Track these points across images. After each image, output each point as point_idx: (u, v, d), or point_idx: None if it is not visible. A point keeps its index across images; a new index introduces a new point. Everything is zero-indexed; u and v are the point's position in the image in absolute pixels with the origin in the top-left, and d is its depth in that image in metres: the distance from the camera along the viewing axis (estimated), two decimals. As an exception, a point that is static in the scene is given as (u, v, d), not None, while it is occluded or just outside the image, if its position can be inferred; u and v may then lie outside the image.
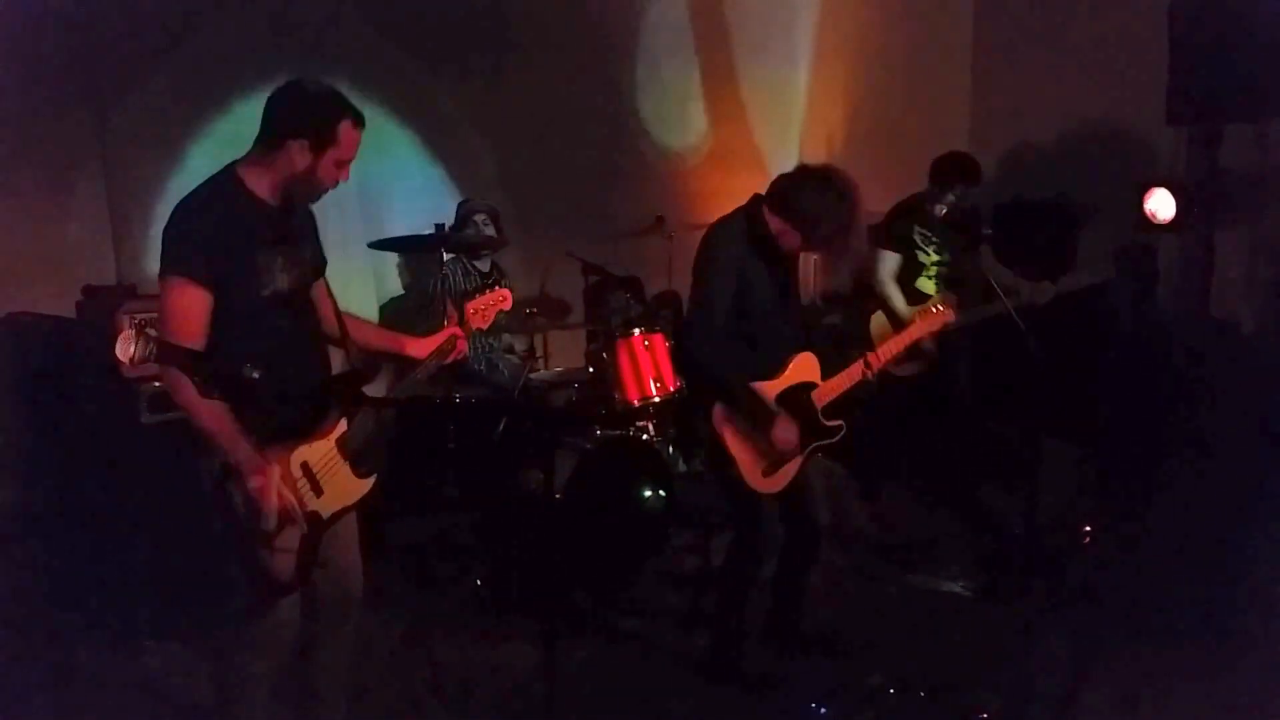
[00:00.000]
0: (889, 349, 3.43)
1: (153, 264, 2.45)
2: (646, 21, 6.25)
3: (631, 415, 4.50)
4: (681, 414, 4.73)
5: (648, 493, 4.23)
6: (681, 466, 4.89)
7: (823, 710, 3.25)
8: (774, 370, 3.27)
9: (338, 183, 2.56)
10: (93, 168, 4.39)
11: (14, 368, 3.85)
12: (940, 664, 3.50)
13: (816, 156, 6.69)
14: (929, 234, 4.73)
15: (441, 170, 5.50)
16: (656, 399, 4.47)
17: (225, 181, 2.49)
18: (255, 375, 2.38)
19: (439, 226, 4.46)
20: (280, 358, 2.43)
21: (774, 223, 3.22)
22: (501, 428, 4.47)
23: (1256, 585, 3.61)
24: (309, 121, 2.46)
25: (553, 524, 3.96)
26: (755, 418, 3.20)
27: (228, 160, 2.53)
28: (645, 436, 4.53)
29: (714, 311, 3.19)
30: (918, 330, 3.51)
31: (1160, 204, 4.64)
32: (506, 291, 3.12)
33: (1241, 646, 3.40)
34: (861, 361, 3.37)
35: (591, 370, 4.76)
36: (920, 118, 6.11)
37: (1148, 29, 4.75)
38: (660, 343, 4.62)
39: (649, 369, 4.55)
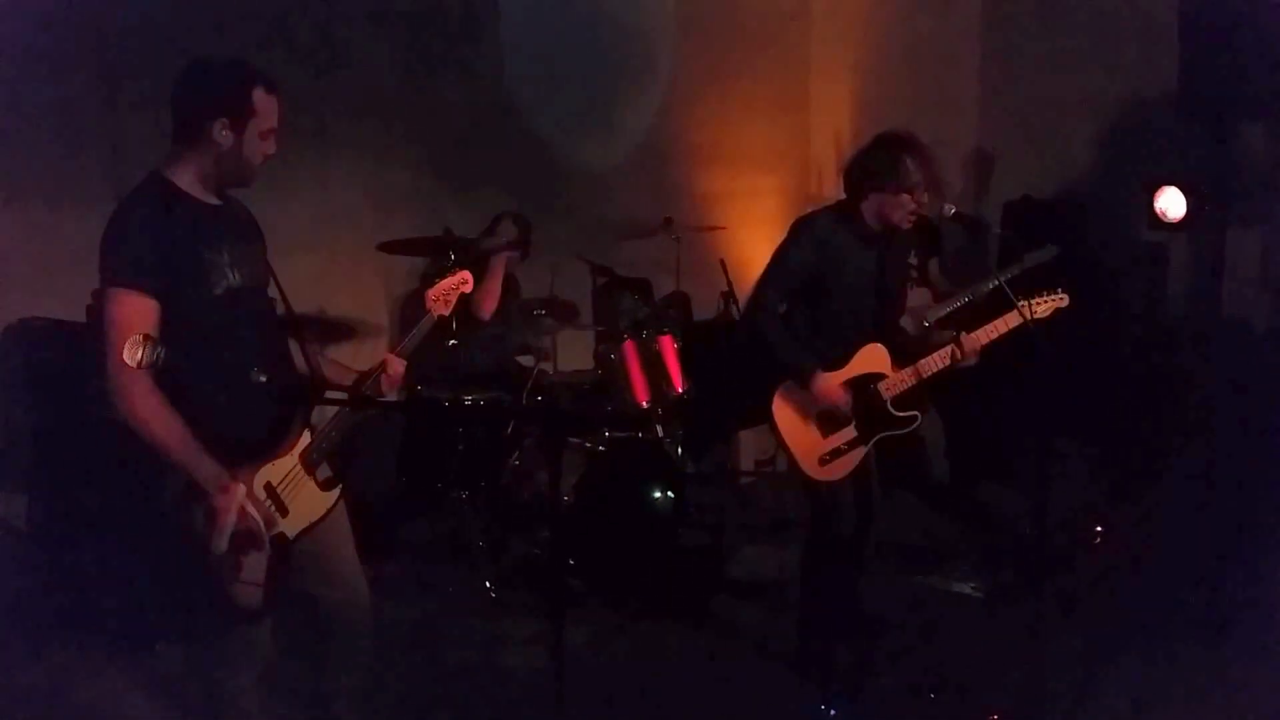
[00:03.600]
0: (988, 332, 3.31)
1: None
2: (652, 20, 6.24)
3: (640, 417, 4.50)
4: (691, 415, 4.73)
5: (657, 494, 4.22)
6: (690, 468, 4.88)
7: (832, 711, 3.24)
8: (840, 360, 3.30)
9: (267, 158, 2.42)
10: (103, 171, 4.39)
11: (25, 371, 3.86)
12: (950, 665, 3.49)
13: (825, 155, 6.67)
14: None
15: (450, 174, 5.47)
16: (665, 401, 4.47)
17: (153, 185, 2.36)
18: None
19: (447, 230, 4.45)
20: (245, 363, 2.30)
21: (873, 201, 3.23)
22: (510, 429, 4.47)
23: (1267, 587, 3.59)
24: (223, 98, 2.32)
25: (561, 525, 3.96)
26: (801, 378, 3.24)
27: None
28: (654, 438, 4.53)
29: (772, 283, 3.30)
30: (1027, 315, 3.28)
31: (1171, 202, 4.60)
32: (466, 274, 2.93)
33: (1252, 648, 3.38)
34: (950, 349, 3.30)
35: (600, 372, 4.76)
36: (929, 116, 6.07)
37: (1159, 23, 4.72)
38: (668, 344, 4.62)
39: (657, 371, 4.55)
